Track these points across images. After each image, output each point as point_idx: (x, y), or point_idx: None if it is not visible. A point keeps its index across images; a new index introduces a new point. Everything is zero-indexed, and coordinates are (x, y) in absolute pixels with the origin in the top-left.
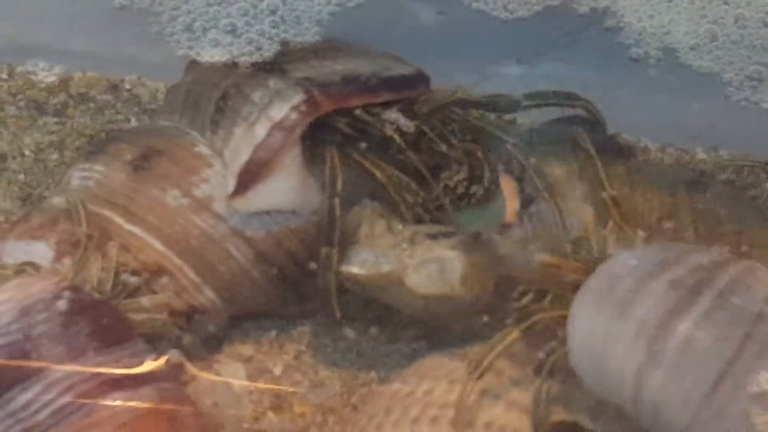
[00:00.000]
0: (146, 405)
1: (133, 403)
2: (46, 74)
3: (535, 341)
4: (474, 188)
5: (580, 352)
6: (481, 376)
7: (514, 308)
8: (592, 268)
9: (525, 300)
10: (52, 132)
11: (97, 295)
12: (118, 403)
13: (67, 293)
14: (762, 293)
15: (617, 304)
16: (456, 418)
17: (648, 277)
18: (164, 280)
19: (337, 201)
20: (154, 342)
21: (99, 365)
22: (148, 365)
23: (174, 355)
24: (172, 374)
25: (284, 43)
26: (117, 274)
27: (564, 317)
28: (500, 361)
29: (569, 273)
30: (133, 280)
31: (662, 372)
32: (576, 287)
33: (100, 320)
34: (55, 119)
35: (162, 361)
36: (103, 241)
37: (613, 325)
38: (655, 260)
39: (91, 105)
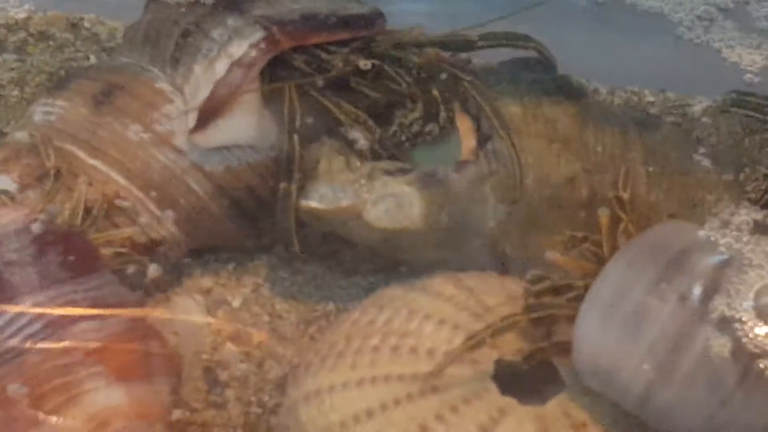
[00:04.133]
0: (115, 332)
1: (103, 332)
2: (17, 10)
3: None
4: (430, 126)
5: (586, 362)
6: (474, 347)
7: (529, 291)
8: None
9: (540, 286)
10: (12, 69)
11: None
12: (88, 329)
13: (37, 224)
14: None
15: (625, 321)
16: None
17: (655, 290)
18: (127, 212)
19: (296, 137)
20: (120, 274)
21: (69, 294)
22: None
23: (154, 269)
24: (139, 305)
25: None
26: (87, 208)
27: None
28: None
29: (580, 273)
30: (96, 212)
31: (672, 391)
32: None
33: (70, 251)
34: (15, 56)
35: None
36: (69, 175)
37: (621, 345)
38: (659, 269)
39: (51, 43)
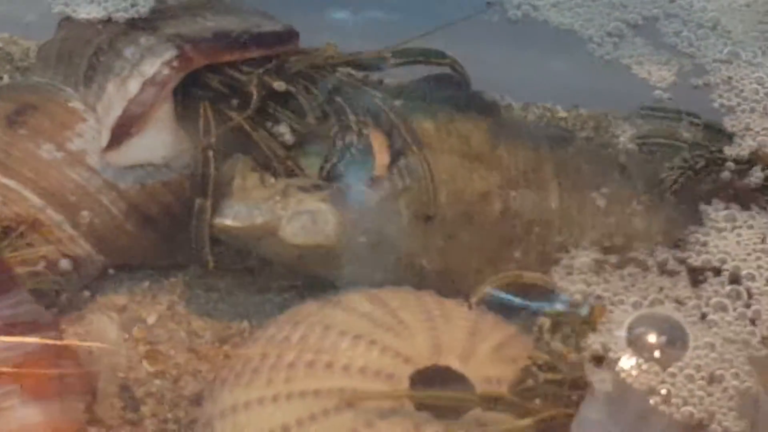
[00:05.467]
0: (30, 350)
1: (18, 350)
2: None
3: None
4: (348, 136)
5: None
6: None
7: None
8: None
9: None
10: None
11: None
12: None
13: None
14: None
15: None
16: None
17: None
18: (41, 232)
19: (210, 153)
20: (34, 293)
21: None
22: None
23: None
24: (54, 323)
25: (160, 0)
26: (2, 228)
27: None
28: None
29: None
30: (11, 232)
31: None
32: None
33: None
34: None
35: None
36: None
37: None
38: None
39: None
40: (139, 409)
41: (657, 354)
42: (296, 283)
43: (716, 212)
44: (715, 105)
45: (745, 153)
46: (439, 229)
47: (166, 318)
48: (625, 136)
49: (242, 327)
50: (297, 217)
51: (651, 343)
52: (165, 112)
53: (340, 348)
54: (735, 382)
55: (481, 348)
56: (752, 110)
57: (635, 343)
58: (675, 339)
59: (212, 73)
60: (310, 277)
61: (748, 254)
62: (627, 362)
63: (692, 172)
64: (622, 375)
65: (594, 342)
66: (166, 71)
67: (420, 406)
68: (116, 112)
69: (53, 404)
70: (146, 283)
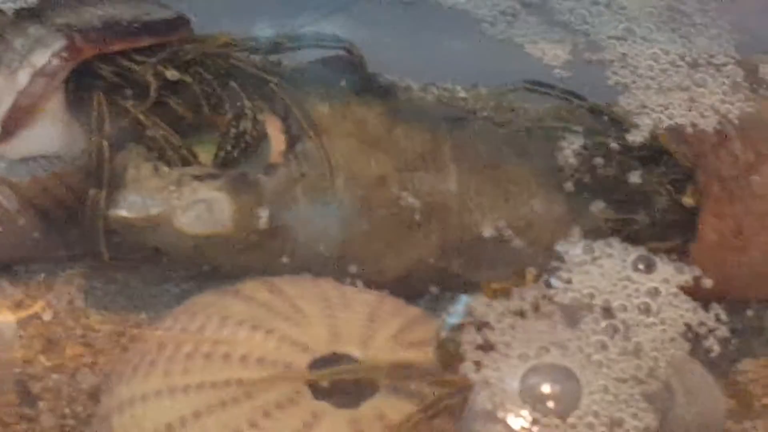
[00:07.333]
0: None
1: None
2: None
3: None
4: (243, 123)
5: None
6: None
7: None
8: None
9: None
10: None
11: None
12: None
13: None
14: None
15: None
16: None
17: None
18: None
19: (104, 143)
20: None
21: None
22: None
23: None
24: None
25: None
26: None
27: None
28: None
29: None
30: None
31: None
32: None
33: None
34: None
35: None
36: None
37: None
38: None
39: None
40: (36, 405)
41: (553, 406)
42: (193, 273)
43: (573, 246)
44: (611, 82)
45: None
46: (337, 214)
47: (62, 311)
48: (524, 116)
49: (140, 319)
50: (192, 206)
51: (546, 394)
52: (56, 103)
53: (238, 338)
54: (635, 422)
55: (380, 334)
56: (647, 87)
57: (530, 398)
58: (568, 387)
59: (104, 63)
60: (207, 267)
61: (614, 285)
62: (525, 418)
63: (590, 161)
64: None
65: (485, 400)
66: (56, 62)
67: (318, 395)
68: (6, 104)
69: None
70: (42, 276)
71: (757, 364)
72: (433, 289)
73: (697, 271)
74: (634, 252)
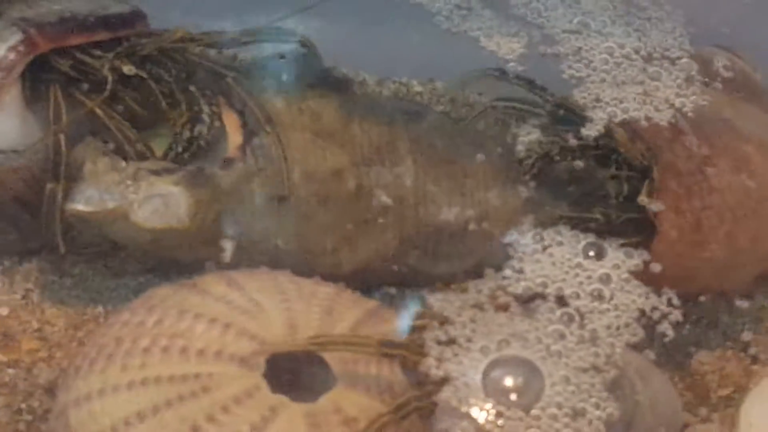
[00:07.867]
0: None
1: None
2: None
3: None
4: (198, 127)
5: None
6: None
7: None
8: None
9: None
10: None
11: None
12: None
13: None
14: None
15: None
16: None
17: None
18: None
19: (62, 137)
20: None
21: None
22: None
23: None
24: None
25: None
26: None
27: None
28: None
29: None
30: None
31: None
32: None
33: None
34: None
35: None
36: None
37: None
38: None
39: None
40: None
41: (516, 398)
42: (151, 266)
43: (523, 235)
44: (565, 76)
45: (593, 133)
46: (294, 208)
47: (18, 306)
48: (479, 109)
49: (97, 312)
50: (148, 200)
51: (509, 387)
52: (13, 97)
53: (196, 332)
54: (598, 412)
55: (337, 327)
56: (602, 80)
57: (493, 391)
58: (530, 379)
59: (61, 57)
60: (164, 261)
61: (566, 272)
62: (489, 411)
63: (547, 157)
64: (487, 426)
65: (451, 396)
66: (11, 56)
67: (276, 389)
68: None
69: None
70: None
71: (712, 356)
72: (390, 282)
73: (647, 256)
74: (584, 239)
